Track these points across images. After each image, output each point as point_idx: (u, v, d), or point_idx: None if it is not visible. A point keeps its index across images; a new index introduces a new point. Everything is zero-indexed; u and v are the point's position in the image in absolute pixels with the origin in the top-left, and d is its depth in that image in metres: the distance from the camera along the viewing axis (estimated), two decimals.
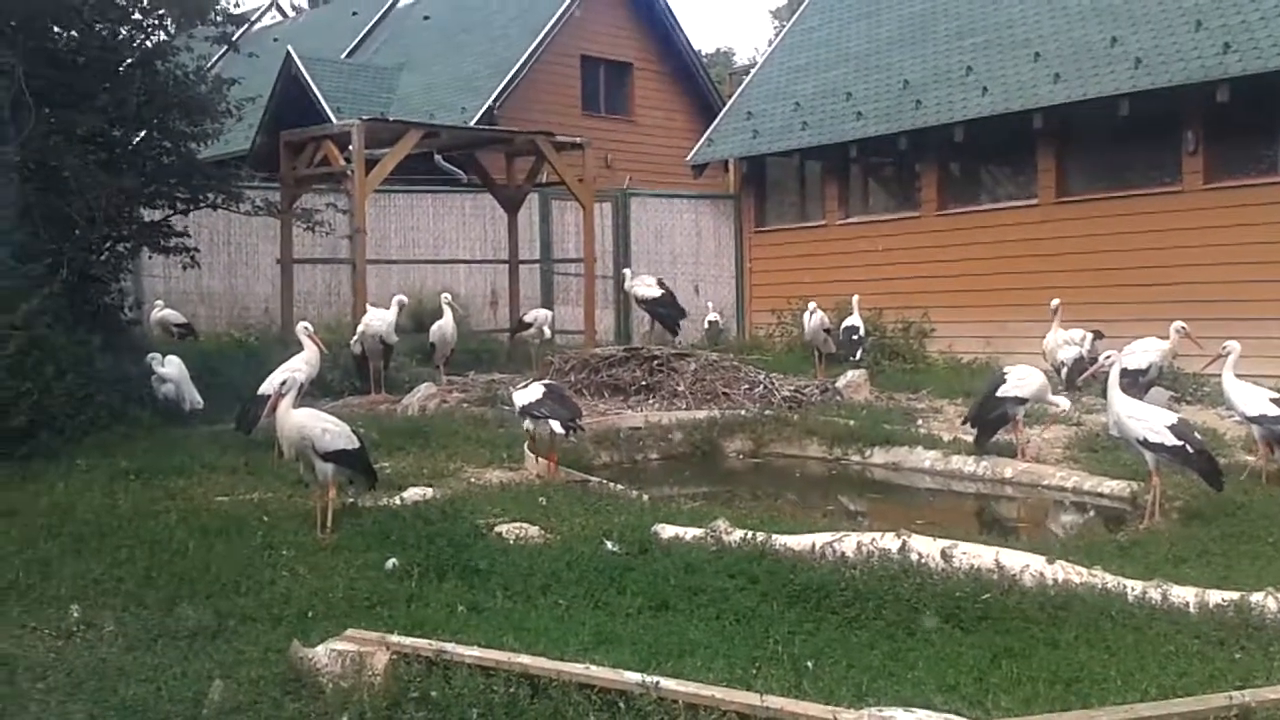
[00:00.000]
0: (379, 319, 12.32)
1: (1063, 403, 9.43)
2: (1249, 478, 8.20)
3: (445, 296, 13.46)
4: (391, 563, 6.07)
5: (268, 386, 9.29)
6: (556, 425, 8.67)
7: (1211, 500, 7.45)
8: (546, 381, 9.57)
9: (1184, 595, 5.33)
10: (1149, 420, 7.42)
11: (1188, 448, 7.21)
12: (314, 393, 10.77)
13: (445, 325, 13.27)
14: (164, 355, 10.96)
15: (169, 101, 12.23)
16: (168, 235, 13.02)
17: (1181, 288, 13.41)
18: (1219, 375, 8.78)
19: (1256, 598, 5.12)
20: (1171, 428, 7.29)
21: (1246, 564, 6.13)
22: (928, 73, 17.20)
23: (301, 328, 10.20)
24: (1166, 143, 14.31)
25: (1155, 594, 5.36)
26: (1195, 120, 13.78)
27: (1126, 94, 13.96)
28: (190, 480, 8.24)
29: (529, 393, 8.87)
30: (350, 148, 13.68)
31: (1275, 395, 8.41)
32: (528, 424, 8.95)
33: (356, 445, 7.10)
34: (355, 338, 12.59)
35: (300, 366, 9.84)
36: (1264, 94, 13.00)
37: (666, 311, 15.55)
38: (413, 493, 7.81)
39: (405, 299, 12.84)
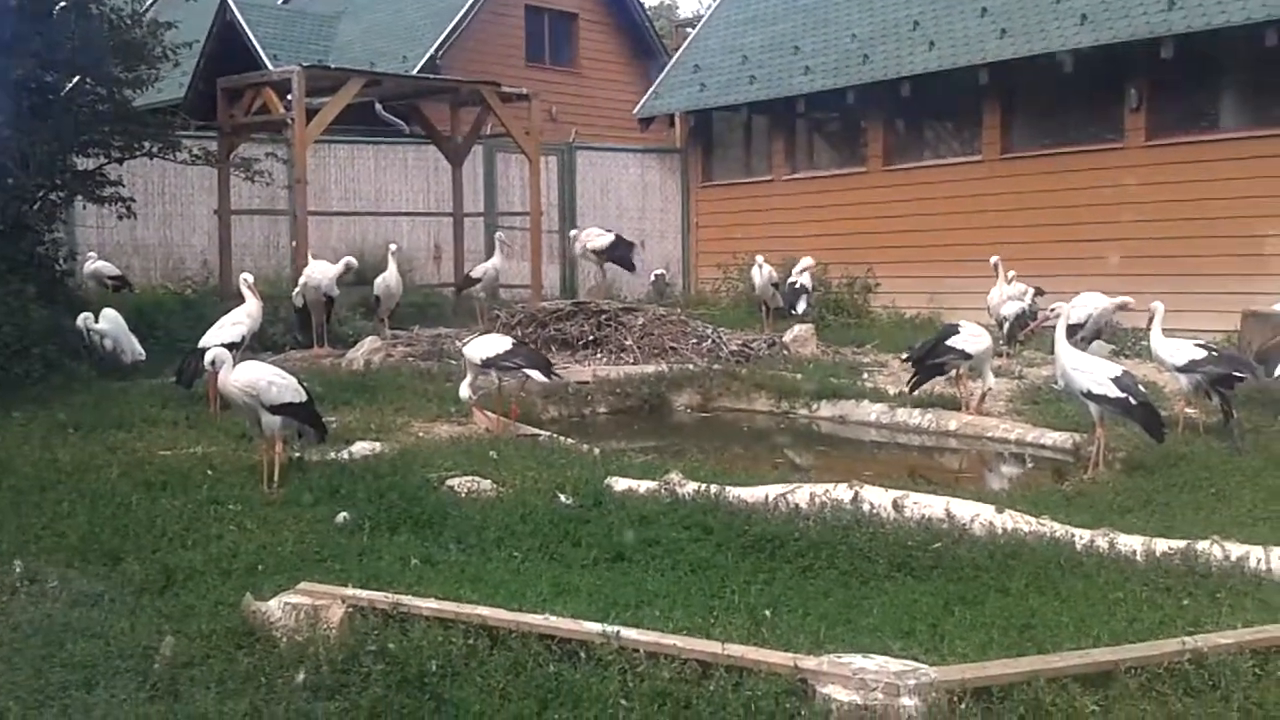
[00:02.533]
0: (321, 271, 12.10)
1: (990, 380, 9.51)
2: (1186, 429, 8.37)
3: (391, 247, 13.25)
4: (342, 516, 6.00)
5: (208, 340, 9.13)
6: (538, 374, 8.62)
7: (1153, 451, 7.59)
8: (501, 335, 9.48)
9: (1131, 544, 5.43)
10: (1093, 373, 7.53)
11: (1130, 399, 7.33)
12: (255, 346, 10.57)
13: (390, 278, 13.08)
14: (99, 309, 10.69)
15: (103, 46, 11.83)
16: (102, 185, 12.65)
17: (1123, 244, 13.61)
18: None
19: (1202, 546, 5.23)
20: (1115, 380, 7.40)
21: (1190, 513, 6.26)
22: (875, 27, 17.18)
23: (243, 279, 10.00)
24: (1110, 99, 14.44)
25: (1103, 542, 5.46)
26: (1139, 77, 13.91)
27: (1071, 50, 14.05)
28: (131, 434, 8.06)
29: (493, 344, 8.78)
30: (290, 96, 13.35)
31: (1201, 343, 8.57)
32: (493, 376, 8.85)
33: (304, 398, 6.98)
34: (297, 290, 12.36)
35: (242, 319, 9.68)
36: (1207, 51, 13.16)
37: (623, 252, 15.24)
38: (361, 447, 7.71)
39: (354, 261, 12.62)
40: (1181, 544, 5.30)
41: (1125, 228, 13.80)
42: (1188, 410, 8.69)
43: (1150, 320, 8.72)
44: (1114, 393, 7.34)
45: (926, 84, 15.83)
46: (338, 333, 12.82)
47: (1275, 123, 12.91)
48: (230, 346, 7.98)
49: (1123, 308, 10.54)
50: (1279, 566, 5.05)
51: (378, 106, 18.10)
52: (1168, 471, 7.20)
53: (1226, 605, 4.62)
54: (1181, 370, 8.39)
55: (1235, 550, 5.18)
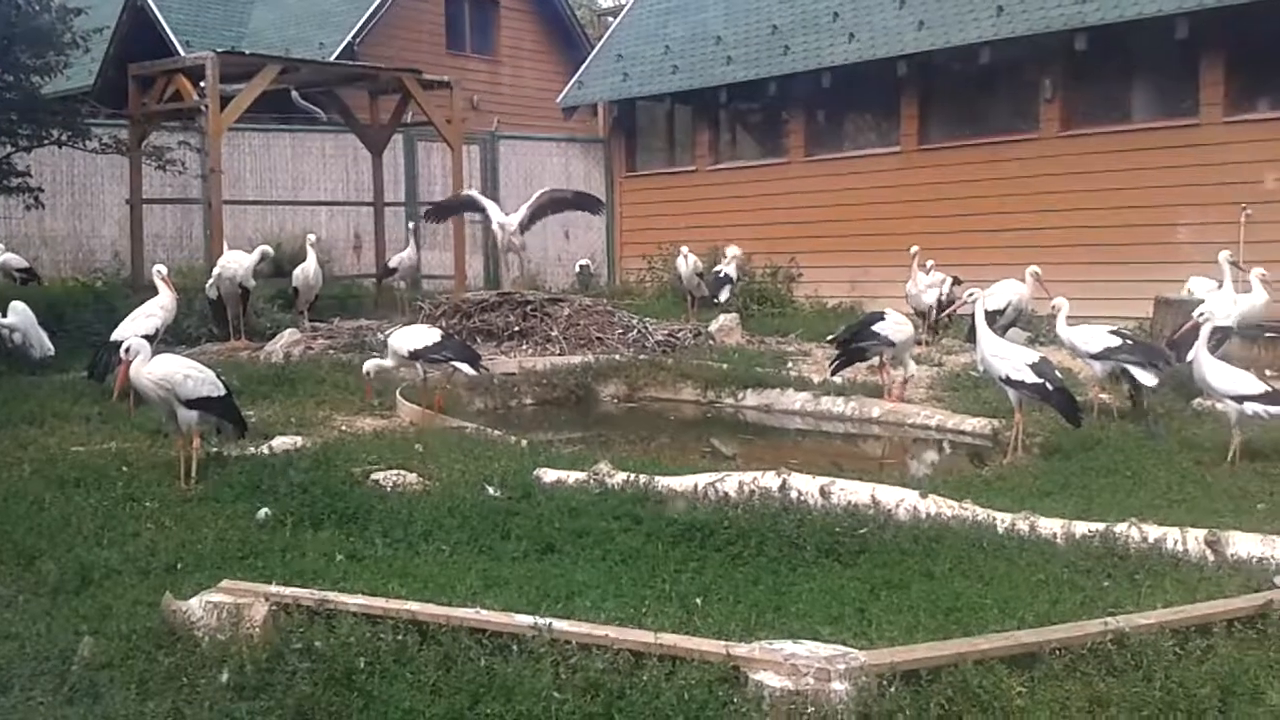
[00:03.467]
0: (236, 261, 11.86)
1: (911, 369, 9.65)
2: (1101, 414, 8.58)
3: (310, 238, 13.03)
4: (263, 512, 5.87)
5: (121, 332, 8.88)
6: (467, 368, 8.53)
7: (1070, 436, 7.76)
8: (427, 326, 9.38)
9: (1051, 526, 5.54)
10: (1012, 359, 7.68)
11: (1047, 385, 7.49)
12: (168, 340, 10.32)
13: (308, 268, 12.86)
14: (7, 302, 10.35)
15: (10, 32, 11.44)
16: (8, 175, 12.28)
17: (1039, 233, 13.88)
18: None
19: (1120, 528, 5.35)
20: (1033, 366, 7.55)
21: (1107, 496, 6.40)
22: (796, 18, 17.29)
23: (156, 270, 9.76)
24: (1025, 91, 14.73)
25: (1024, 525, 5.55)
26: (1054, 69, 14.20)
27: (988, 42, 14.30)
28: (43, 430, 7.82)
29: (421, 336, 8.66)
30: (203, 82, 13.06)
31: (1114, 329, 8.78)
32: (419, 369, 8.74)
33: (222, 392, 6.82)
34: (211, 282, 12.09)
35: (156, 312, 9.45)
36: (1120, 43, 13.47)
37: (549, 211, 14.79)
38: (281, 441, 7.56)
39: (270, 249, 12.37)
40: (1100, 526, 5.41)
41: (1041, 217, 14.08)
42: (1102, 396, 8.89)
43: (1055, 315, 8.90)
44: (1031, 378, 7.49)
45: (846, 75, 15.99)
46: (255, 325, 12.58)
47: (1186, 113, 13.27)
48: (144, 339, 7.76)
49: (1035, 276, 10.78)
50: (1195, 548, 5.18)
51: (294, 94, 17.74)
52: (1085, 455, 7.35)
53: (1146, 586, 4.73)
54: (1095, 357, 8.58)
55: (1153, 532, 5.31)
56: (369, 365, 8.64)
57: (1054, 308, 8.84)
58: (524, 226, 13.52)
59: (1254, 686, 3.71)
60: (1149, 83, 14.25)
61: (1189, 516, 5.75)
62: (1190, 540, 5.23)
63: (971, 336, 11.90)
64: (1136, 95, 14.42)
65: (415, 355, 8.62)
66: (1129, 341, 8.61)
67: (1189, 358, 9.33)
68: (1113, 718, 3.56)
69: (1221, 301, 9.63)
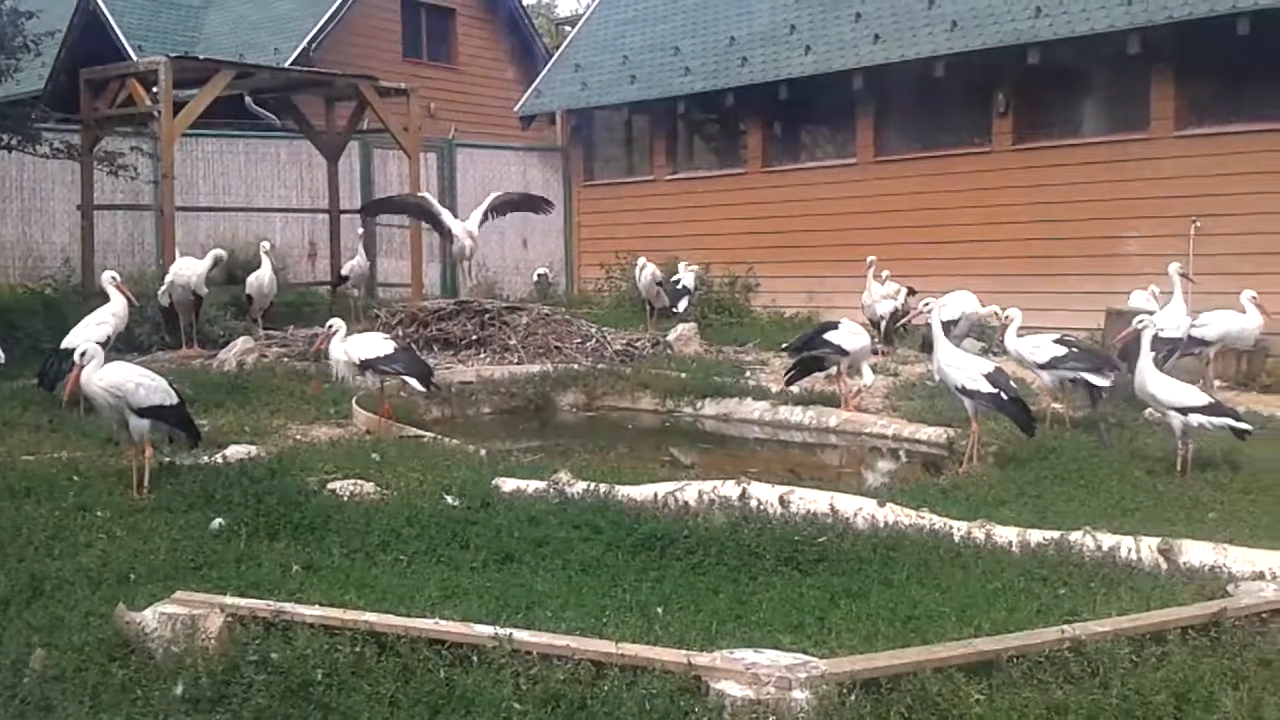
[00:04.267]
0: (189, 268, 11.72)
1: (868, 378, 9.72)
2: (1054, 423, 8.69)
3: (264, 245, 12.90)
4: (217, 523, 5.78)
5: (72, 340, 8.73)
6: (416, 383, 8.46)
7: (1024, 445, 7.85)
8: (385, 335, 9.31)
9: (1007, 535, 5.59)
10: (967, 369, 7.76)
11: (1003, 395, 7.57)
12: (120, 348, 10.16)
13: (263, 276, 12.74)
14: None
15: None
16: None
17: (992, 244, 14.05)
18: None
19: (1075, 536, 5.41)
20: (988, 376, 7.64)
21: (1062, 504, 6.48)
22: (754, 30, 17.40)
23: (108, 277, 9.63)
24: (979, 104, 14.90)
25: (980, 534, 5.61)
26: (1006, 82, 14.39)
27: (943, 56, 14.46)
28: None
29: (374, 345, 8.59)
30: (156, 88, 12.90)
31: (1059, 338, 8.90)
32: (369, 378, 8.67)
33: (175, 400, 6.72)
34: (163, 288, 11.94)
35: (107, 319, 9.31)
36: (1072, 58, 13.67)
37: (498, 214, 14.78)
38: (235, 450, 7.46)
39: (223, 253, 12.23)
40: (1055, 534, 5.48)
41: (994, 229, 14.25)
42: (1055, 405, 9.01)
43: (1006, 325, 9.00)
44: (987, 388, 7.58)
45: (803, 87, 16.11)
46: (208, 333, 12.43)
47: (1137, 127, 13.49)
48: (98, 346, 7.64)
49: (995, 315, 10.90)
50: (1148, 556, 5.26)
51: (248, 100, 17.60)
52: (1039, 464, 7.44)
53: (1101, 594, 4.78)
54: (1043, 367, 8.71)
55: (1106, 540, 5.38)
56: (334, 347, 8.59)
57: (1005, 318, 8.94)
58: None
59: (1208, 693, 3.75)
60: (1100, 97, 14.48)
61: (1142, 525, 5.84)
62: (1144, 549, 5.30)
63: (926, 347, 12.07)
64: (1088, 109, 14.65)
65: (366, 365, 8.55)
66: (1075, 350, 8.74)
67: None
68: None
69: (1171, 314, 9.81)
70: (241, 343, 11.65)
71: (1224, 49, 12.45)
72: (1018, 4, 14.05)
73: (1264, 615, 4.30)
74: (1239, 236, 12.06)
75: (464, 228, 13.33)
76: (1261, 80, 12.57)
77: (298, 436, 8.32)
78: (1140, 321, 7.73)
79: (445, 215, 13.65)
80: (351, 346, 8.70)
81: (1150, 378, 7.41)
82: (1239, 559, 5.19)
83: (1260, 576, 4.94)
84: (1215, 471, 7.20)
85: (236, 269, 14.63)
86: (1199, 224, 12.12)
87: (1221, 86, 13.20)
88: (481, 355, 12.19)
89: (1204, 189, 12.56)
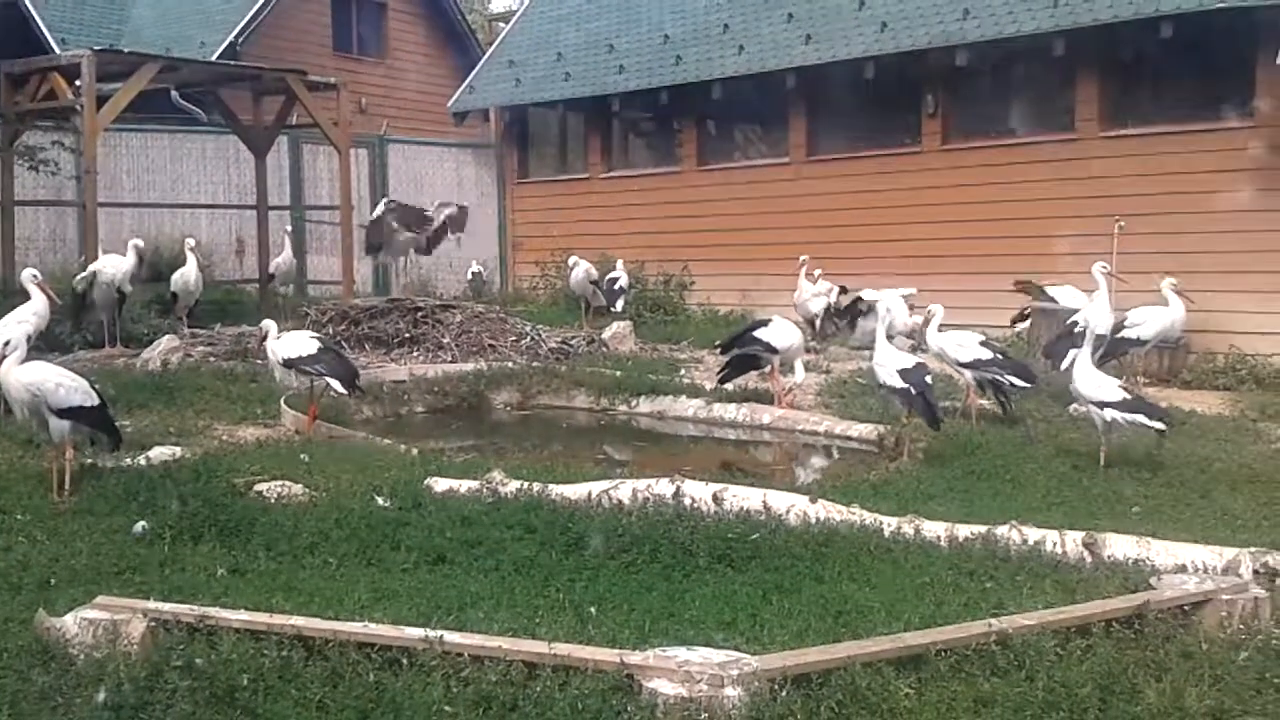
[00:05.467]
0: (114, 266, 11.48)
1: (800, 375, 9.81)
2: (962, 418, 8.86)
3: (189, 242, 12.70)
4: (141, 526, 5.68)
5: None
6: (338, 385, 8.33)
7: (953, 441, 7.98)
8: (313, 334, 9.16)
9: (935, 530, 5.67)
10: (887, 365, 7.91)
11: (911, 390, 7.74)
12: (40, 346, 9.89)
13: (188, 273, 12.53)
14: None
15: None
16: None
17: (922, 243, 14.21)
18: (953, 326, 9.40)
19: (1001, 530, 5.50)
20: (901, 371, 7.81)
21: (988, 499, 6.59)
22: (687, 28, 17.42)
23: (29, 275, 9.39)
24: (909, 105, 15.06)
25: (909, 529, 5.68)
26: (936, 83, 14.55)
27: (873, 56, 14.59)
28: None
29: (298, 344, 8.46)
30: (79, 81, 12.60)
31: (983, 339, 9.09)
32: (293, 378, 8.54)
33: (95, 401, 6.58)
34: (82, 276, 11.68)
35: (28, 317, 9.07)
36: (999, 60, 13.87)
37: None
38: (159, 452, 7.32)
39: (141, 242, 11.97)
40: (982, 529, 5.56)
41: (923, 228, 14.41)
42: (980, 401, 9.16)
43: (927, 321, 9.15)
44: (898, 384, 7.76)
45: (737, 86, 16.16)
46: (132, 331, 12.16)
47: (1062, 128, 13.72)
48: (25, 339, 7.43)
49: (906, 299, 11.11)
50: (1073, 550, 5.35)
51: (174, 94, 17.19)
52: (966, 460, 7.55)
53: (1027, 587, 4.87)
54: (965, 366, 8.89)
55: (1032, 534, 5.47)
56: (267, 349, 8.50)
57: (928, 313, 9.06)
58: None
59: (1132, 685, 3.83)
60: (1027, 98, 14.71)
61: (1067, 519, 5.95)
62: (1069, 542, 5.40)
63: (857, 345, 12.23)
64: (1015, 110, 14.88)
65: (289, 364, 8.43)
66: (1000, 355, 9.01)
67: (1064, 365, 9.72)
68: (997, 717, 3.65)
69: (1097, 312, 10.01)
70: (166, 341, 11.42)
71: (1148, 51, 12.71)
72: (946, 6, 14.23)
73: (1186, 607, 4.40)
74: (1161, 236, 12.33)
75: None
76: (1184, 82, 12.86)
77: (224, 437, 8.19)
78: (1083, 320, 7.93)
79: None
80: (276, 346, 8.58)
81: (1079, 372, 7.56)
82: (1162, 552, 5.31)
83: (1182, 569, 5.06)
84: (1138, 466, 7.35)
85: (161, 266, 14.35)
86: (1122, 224, 12.36)
87: (1145, 88, 13.48)
88: (414, 354, 12.08)
89: (1128, 189, 12.82)
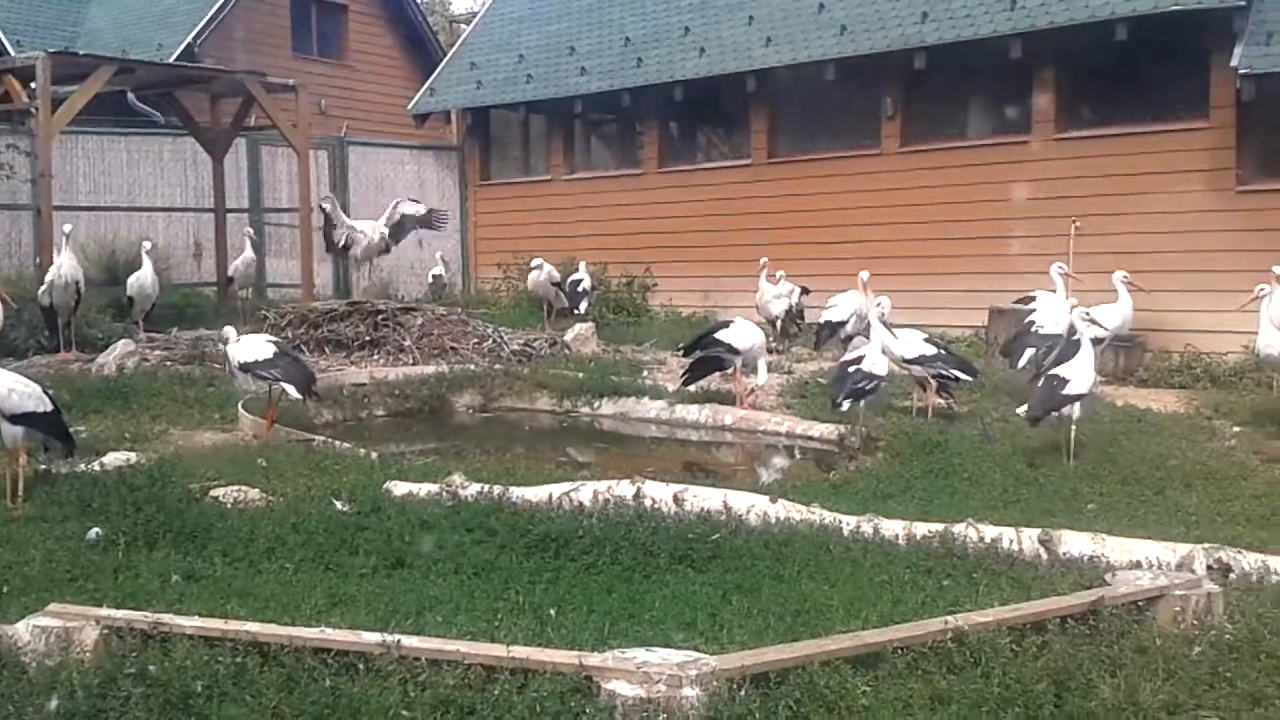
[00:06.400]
0: (71, 266, 11.36)
1: (762, 377, 9.86)
2: (937, 416, 8.94)
3: (145, 244, 12.56)
4: (95, 532, 5.61)
5: None
6: (293, 390, 8.26)
7: (912, 440, 8.04)
8: (270, 338, 9.08)
9: (893, 528, 5.70)
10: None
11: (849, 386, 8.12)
12: None
13: (144, 277, 12.39)
14: None
15: None
16: None
17: (882, 245, 14.29)
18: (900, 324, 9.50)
19: (958, 528, 5.54)
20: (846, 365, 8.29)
21: (946, 497, 6.64)
22: (648, 31, 17.44)
23: None
24: (868, 108, 15.15)
25: (868, 528, 5.71)
26: (894, 86, 14.66)
27: (832, 59, 14.66)
28: None
29: (254, 349, 8.38)
30: (34, 83, 12.44)
31: (928, 337, 9.21)
32: (249, 382, 8.47)
33: (49, 407, 6.51)
34: (44, 288, 11.53)
35: None
36: (957, 63, 13.98)
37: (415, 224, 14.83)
38: (114, 458, 7.24)
39: (68, 228, 11.81)
40: (940, 527, 5.60)
41: (883, 230, 14.49)
42: (937, 400, 9.24)
43: (877, 314, 9.25)
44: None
45: (698, 88, 16.19)
46: (87, 336, 12.00)
47: (1019, 130, 13.86)
48: None
49: (863, 283, 11.26)
50: (1029, 547, 5.40)
51: (131, 96, 17.04)
52: (925, 459, 7.61)
53: (983, 585, 4.91)
54: (911, 362, 9.00)
55: (989, 532, 5.52)
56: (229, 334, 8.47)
57: (877, 304, 9.14)
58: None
59: (1087, 681, 3.86)
60: (985, 101, 14.84)
61: (1023, 517, 6.01)
62: (1025, 540, 5.45)
63: (819, 346, 12.29)
64: (973, 113, 15.00)
65: (245, 369, 8.35)
66: (943, 351, 9.20)
67: (1020, 364, 9.84)
68: (953, 714, 3.67)
69: (1054, 311, 10.12)
70: (122, 345, 11.29)
71: (1102, 54, 12.85)
72: (905, 9, 14.34)
73: (1140, 603, 4.43)
74: (1117, 236, 12.48)
75: (377, 228, 13.30)
76: (1138, 84, 13.02)
77: (180, 442, 8.12)
78: (1082, 315, 8.09)
79: (350, 222, 13.52)
80: (232, 350, 8.51)
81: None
82: (1116, 548, 5.37)
83: (1136, 565, 5.11)
84: (1093, 463, 7.43)
85: (118, 270, 14.19)
86: (1078, 225, 12.50)
87: (1101, 91, 13.63)
88: (375, 357, 12.01)
89: (1084, 190, 12.97)
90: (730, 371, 9.94)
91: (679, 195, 16.85)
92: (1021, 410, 7.90)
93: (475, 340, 12.36)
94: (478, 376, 11.08)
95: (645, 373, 11.66)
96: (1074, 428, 7.53)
